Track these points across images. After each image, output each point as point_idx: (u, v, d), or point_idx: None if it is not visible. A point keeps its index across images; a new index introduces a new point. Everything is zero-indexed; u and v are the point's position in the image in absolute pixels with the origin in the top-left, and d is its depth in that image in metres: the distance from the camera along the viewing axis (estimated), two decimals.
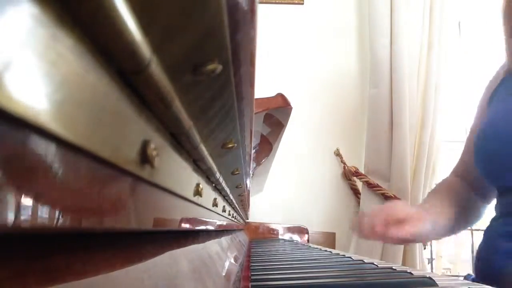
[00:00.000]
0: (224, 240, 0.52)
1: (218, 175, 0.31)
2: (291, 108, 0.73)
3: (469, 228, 1.53)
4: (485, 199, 0.81)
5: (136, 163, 0.13)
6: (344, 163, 1.54)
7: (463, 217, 0.81)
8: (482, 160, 0.72)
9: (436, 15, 1.48)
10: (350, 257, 0.63)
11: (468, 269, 1.52)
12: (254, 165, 0.83)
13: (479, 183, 0.77)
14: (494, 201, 0.74)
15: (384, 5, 1.43)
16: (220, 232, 0.53)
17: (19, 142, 0.07)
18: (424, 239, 0.77)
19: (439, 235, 0.83)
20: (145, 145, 0.13)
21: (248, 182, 0.52)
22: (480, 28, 1.66)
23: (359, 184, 1.51)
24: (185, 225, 0.25)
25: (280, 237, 1.35)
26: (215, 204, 0.35)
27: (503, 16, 0.78)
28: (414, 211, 0.73)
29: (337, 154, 1.55)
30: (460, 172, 0.84)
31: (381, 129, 1.44)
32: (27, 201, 0.08)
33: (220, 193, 0.40)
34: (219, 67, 0.14)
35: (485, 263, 0.70)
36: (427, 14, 1.48)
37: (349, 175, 1.53)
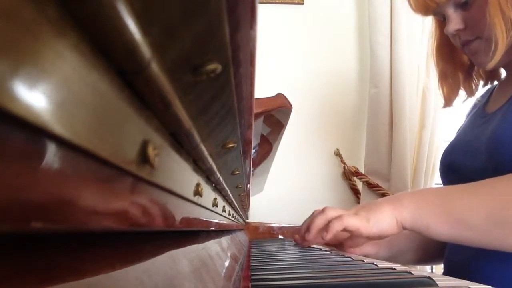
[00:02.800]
0: (224, 240, 0.52)
1: (218, 175, 0.31)
2: (291, 108, 0.73)
3: None
4: None
5: (136, 163, 0.13)
6: (344, 163, 1.54)
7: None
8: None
9: None
10: (350, 257, 0.63)
11: None
12: (254, 165, 0.82)
13: None
14: None
15: (384, 5, 1.43)
16: (220, 232, 0.53)
17: (18, 142, 0.07)
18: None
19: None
20: (145, 145, 0.13)
21: (248, 182, 0.52)
22: None
23: (359, 184, 1.51)
24: (185, 225, 0.25)
25: (280, 237, 1.35)
26: (215, 204, 0.35)
27: (434, 60, 0.83)
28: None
29: (337, 154, 1.55)
30: None
31: (381, 129, 1.43)
32: (26, 201, 0.08)
33: (220, 193, 0.40)
34: (219, 67, 0.14)
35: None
36: None
37: (349, 175, 1.53)
